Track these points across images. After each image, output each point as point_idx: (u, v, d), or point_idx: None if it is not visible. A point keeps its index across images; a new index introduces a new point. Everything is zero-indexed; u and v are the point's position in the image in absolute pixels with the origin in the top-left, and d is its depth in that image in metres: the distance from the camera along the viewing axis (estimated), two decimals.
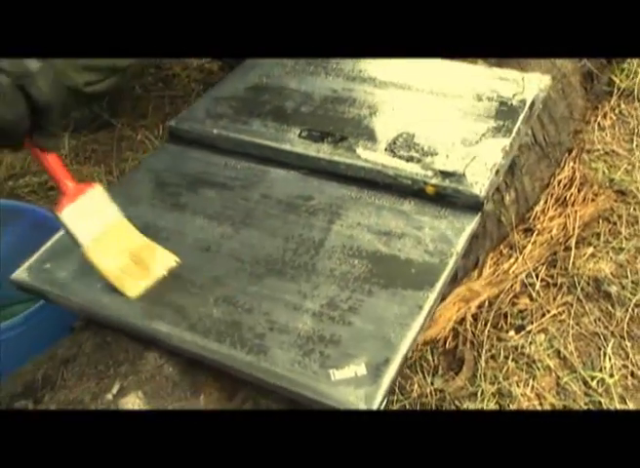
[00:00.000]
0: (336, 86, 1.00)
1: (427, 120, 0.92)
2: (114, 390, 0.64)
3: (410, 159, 0.85)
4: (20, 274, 0.76)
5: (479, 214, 0.80)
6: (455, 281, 0.92)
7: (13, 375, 0.69)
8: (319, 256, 0.76)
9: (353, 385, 0.63)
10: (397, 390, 0.89)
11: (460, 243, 0.76)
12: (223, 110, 0.97)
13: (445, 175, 0.82)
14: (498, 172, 0.83)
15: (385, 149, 0.87)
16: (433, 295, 0.71)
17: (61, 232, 0.81)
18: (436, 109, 0.94)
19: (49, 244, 0.80)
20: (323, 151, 0.87)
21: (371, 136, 0.89)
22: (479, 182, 0.80)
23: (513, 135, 0.88)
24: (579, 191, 1.12)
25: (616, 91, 1.38)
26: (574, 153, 1.17)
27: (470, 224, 0.78)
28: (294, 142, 0.89)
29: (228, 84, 1.03)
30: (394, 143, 0.88)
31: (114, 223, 0.75)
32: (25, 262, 0.77)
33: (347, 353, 0.66)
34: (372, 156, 0.86)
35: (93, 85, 0.94)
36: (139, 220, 0.81)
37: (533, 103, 0.94)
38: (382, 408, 0.63)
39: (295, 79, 1.03)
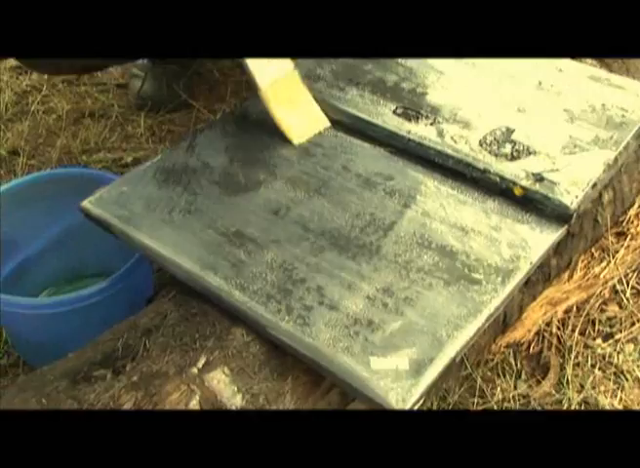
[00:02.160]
0: (443, 67, 0.96)
1: (532, 117, 0.86)
2: (200, 364, 0.63)
3: (503, 155, 0.80)
4: (88, 203, 0.77)
5: (565, 226, 0.74)
6: (545, 282, 0.88)
7: (91, 344, 0.67)
8: (386, 239, 0.73)
9: (391, 378, 0.60)
10: (477, 393, 0.86)
11: (538, 253, 0.71)
12: (323, 73, 0.94)
13: (537, 178, 0.77)
14: (595, 185, 0.77)
15: (480, 141, 0.82)
16: (496, 302, 0.67)
17: (137, 169, 0.82)
18: (544, 107, 0.88)
19: (122, 178, 0.81)
20: (414, 132, 0.84)
21: (468, 125, 0.85)
22: (572, 193, 0.75)
23: (620, 149, 0.81)
24: None
25: None
26: None
27: (553, 235, 0.73)
28: (386, 118, 0.86)
29: None
30: (491, 136, 0.83)
31: (289, 74, 0.85)
32: (97, 192, 0.78)
33: (393, 344, 0.63)
34: (464, 146, 0.81)
35: None
36: (215, 169, 0.81)
37: None
38: (417, 407, 0.60)
39: None
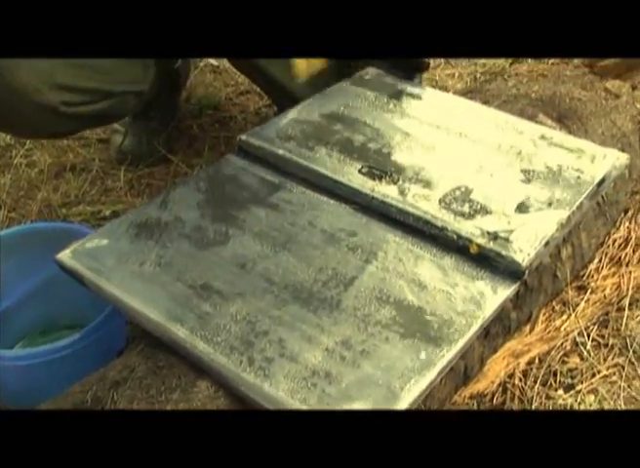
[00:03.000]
0: (408, 127, 1.00)
1: (489, 177, 0.91)
2: None
3: (461, 214, 0.84)
4: (63, 256, 0.80)
5: (518, 282, 0.78)
6: (506, 335, 0.91)
7: (62, 395, 0.69)
8: (347, 293, 0.76)
9: None
10: None
11: (490, 308, 0.75)
12: (294, 133, 0.99)
13: (492, 236, 0.81)
14: (547, 244, 0.81)
15: (440, 199, 0.86)
16: (449, 356, 0.70)
17: (112, 223, 0.85)
18: (502, 168, 0.92)
19: (97, 231, 0.84)
20: (378, 191, 0.88)
21: (428, 184, 0.89)
22: (524, 251, 0.79)
23: (573, 209, 0.86)
24: (633, 252, 1.11)
25: None
26: (630, 213, 1.16)
27: (505, 291, 0.77)
28: (352, 177, 0.90)
29: (306, 108, 1.05)
30: (450, 195, 0.87)
31: None
32: (72, 245, 0.81)
33: (348, 395, 0.66)
34: (424, 204, 0.85)
35: (73, 106, 0.97)
36: (187, 224, 0.85)
37: (603, 180, 0.92)
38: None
39: (372, 114, 1.04)
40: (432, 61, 1.76)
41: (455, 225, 0.82)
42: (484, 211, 0.85)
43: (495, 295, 0.76)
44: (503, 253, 0.79)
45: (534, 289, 0.93)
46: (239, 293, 0.76)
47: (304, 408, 0.64)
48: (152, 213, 0.87)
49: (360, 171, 0.91)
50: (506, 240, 0.80)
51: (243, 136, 0.98)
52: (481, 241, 0.80)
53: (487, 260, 0.80)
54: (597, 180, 0.90)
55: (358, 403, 0.65)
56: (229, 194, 0.90)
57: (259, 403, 0.66)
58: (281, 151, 0.95)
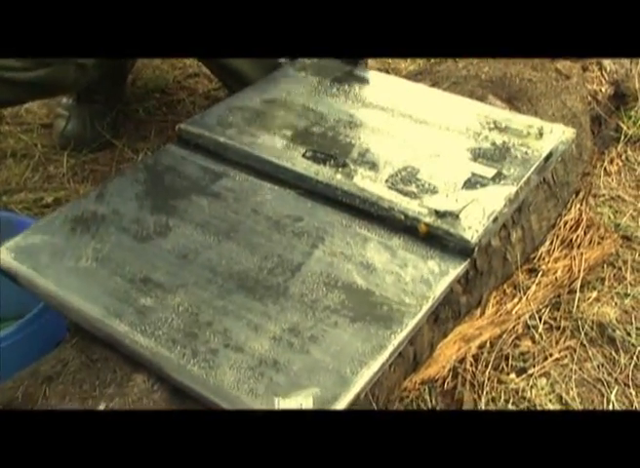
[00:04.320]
0: (352, 110, 0.98)
1: (436, 157, 0.89)
2: None
3: (408, 194, 0.82)
4: None
5: (467, 260, 0.76)
6: (456, 319, 0.89)
7: None
8: (293, 280, 0.73)
9: None
10: None
11: (440, 287, 0.73)
12: (235, 120, 0.96)
13: (439, 214, 0.79)
14: (496, 219, 0.80)
15: (386, 180, 0.85)
16: (400, 337, 0.68)
17: (47, 218, 0.81)
18: (447, 147, 0.91)
19: (32, 227, 0.80)
20: (322, 174, 0.85)
21: (374, 166, 0.87)
22: (473, 228, 0.77)
23: (521, 184, 0.85)
24: (585, 234, 1.10)
25: (623, 137, 1.37)
26: (581, 195, 1.15)
27: (455, 270, 0.75)
28: (296, 161, 0.88)
29: (248, 94, 1.02)
30: (396, 176, 0.85)
31: None
32: (5, 242, 0.77)
33: (298, 383, 0.63)
34: (370, 186, 0.83)
35: (11, 71, 0.97)
36: (125, 216, 0.81)
37: (550, 155, 0.91)
38: None
39: (314, 98, 1.02)
40: None
41: (402, 205, 0.81)
42: (431, 190, 0.83)
43: (445, 274, 0.75)
44: (452, 230, 0.77)
45: (484, 272, 0.91)
46: (181, 285, 0.73)
47: (251, 398, 0.62)
48: (89, 206, 0.84)
49: (304, 155, 0.89)
50: (455, 218, 0.79)
51: (182, 125, 0.94)
52: (429, 220, 0.79)
53: (436, 239, 0.78)
54: (544, 155, 0.90)
55: (308, 390, 0.62)
56: (169, 184, 0.87)
57: (203, 395, 0.63)
58: (222, 138, 0.92)
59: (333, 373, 0.64)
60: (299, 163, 0.88)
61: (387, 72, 1.63)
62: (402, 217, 0.80)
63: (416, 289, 0.73)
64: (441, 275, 0.74)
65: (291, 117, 0.97)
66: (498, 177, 0.85)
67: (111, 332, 0.68)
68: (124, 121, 1.40)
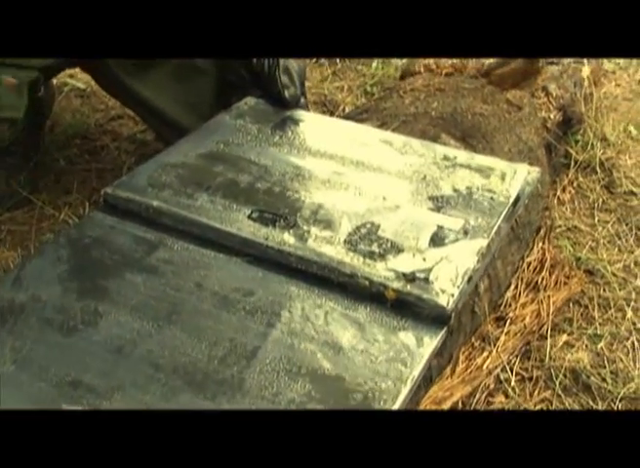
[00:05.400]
0: (298, 161, 0.89)
1: (395, 208, 0.81)
2: None
3: (371, 255, 0.73)
4: None
5: (444, 328, 0.68)
6: (427, 384, 0.81)
7: None
8: (249, 370, 0.63)
9: None
10: None
11: (418, 366, 0.64)
12: (169, 179, 0.86)
13: (408, 278, 0.70)
14: (470, 279, 0.72)
15: (345, 241, 0.76)
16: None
17: None
18: (406, 196, 0.83)
19: None
20: (272, 238, 0.76)
21: (329, 224, 0.78)
22: (447, 291, 0.69)
23: (492, 235, 0.77)
24: (549, 274, 1.04)
25: (573, 163, 1.33)
26: (542, 232, 1.10)
27: (432, 342, 0.67)
28: (241, 224, 0.78)
29: (181, 148, 0.92)
30: (355, 234, 0.77)
31: None
32: None
33: None
34: (327, 249, 0.74)
35: None
36: (47, 304, 0.70)
37: (517, 199, 0.84)
38: None
39: (255, 149, 0.92)
40: (319, 74, 1.68)
41: (365, 270, 0.72)
42: (395, 248, 0.75)
43: (421, 347, 0.66)
44: (424, 296, 0.69)
45: (453, 330, 0.83)
46: (117, 387, 0.62)
47: None
48: (4, 294, 0.72)
49: (250, 216, 0.79)
50: (425, 280, 0.70)
51: (109, 189, 0.84)
52: (397, 285, 0.70)
53: (406, 306, 0.69)
54: (512, 200, 0.82)
55: None
56: (97, 260, 0.76)
57: None
58: (155, 202, 0.81)
59: None
60: (244, 226, 0.78)
61: (325, 105, 1.56)
62: (367, 284, 0.71)
63: (390, 369, 0.64)
64: (417, 349, 0.66)
65: (232, 173, 0.87)
66: (466, 230, 0.77)
67: None
68: (43, 173, 1.27)
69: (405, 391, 0.62)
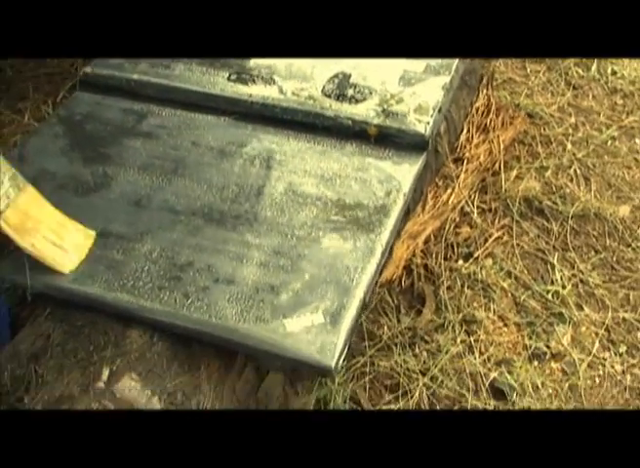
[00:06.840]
0: None
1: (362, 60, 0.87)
2: (104, 377, 0.57)
3: (348, 99, 0.80)
4: None
5: (424, 153, 0.76)
6: (406, 219, 0.90)
7: None
8: (260, 204, 0.70)
9: (310, 334, 0.59)
10: (366, 336, 0.87)
11: (408, 182, 0.73)
12: None
13: (386, 114, 0.78)
14: (440, 110, 0.80)
15: (322, 90, 0.82)
16: (385, 236, 0.67)
17: None
18: None
19: None
20: (255, 94, 0.81)
21: (305, 77, 0.84)
22: (423, 120, 0.77)
23: (452, 72, 0.85)
24: (496, 116, 1.13)
25: None
26: (484, 80, 1.18)
27: (417, 163, 0.75)
28: (223, 86, 0.83)
29: None
30: (330, 84, 0.83)
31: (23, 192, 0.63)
32: None
33: (301, 301, 0.61)
34: (308, 98, 0.81)
35: None
36: (57, 174, 0.74)
37: None
38: (344, 357, 0.59)
39: None
40: None
41: (347, 111, 0.78)
42: (369, 91, 0.81)
43: (406, 170, 0.74)
44: (403, 127, 0.77)
45: (428, 162, 0.91)
46: (145, 232, 0.68)
47: (260, 326, 0.59)
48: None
49: (229, 78, 0.84)
50: (402, 114, 0.78)
51: (88, 68, 0.86)
52: (377, 121, 0.77)
53: (388, 139, 0.77)
54: None
55: (313, 305, 0.61)
56: (94, 133, 0.80)
57: (209, 334, 0.60)
58: (135, 75, 0.85)
59: (333, 284, 0.63)
60: (227, 87, 0.83)
61: None
62: (350, 123, 0.78)
63: (385, 188, 0.72)
64: (405, 171, 0.74)
65: None
66: (428, 70, 0.85)
67: (87, 296, 0.62)
68: None
69: (400, 203, 0.70)
